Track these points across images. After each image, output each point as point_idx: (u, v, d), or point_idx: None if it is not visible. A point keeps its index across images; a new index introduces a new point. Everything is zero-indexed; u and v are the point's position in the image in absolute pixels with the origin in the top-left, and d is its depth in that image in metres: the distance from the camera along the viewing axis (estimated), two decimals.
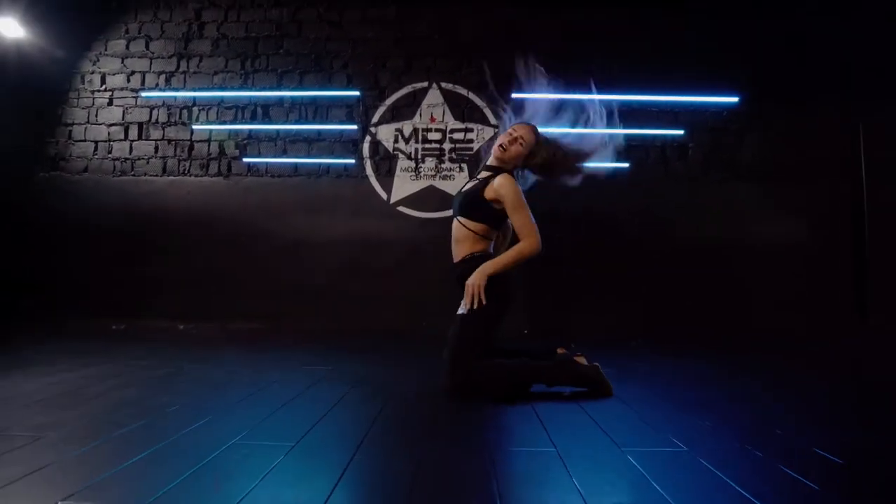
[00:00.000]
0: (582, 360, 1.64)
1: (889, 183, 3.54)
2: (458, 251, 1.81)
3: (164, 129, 3.61)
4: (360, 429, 1.21)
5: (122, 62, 3.66)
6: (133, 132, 3.61)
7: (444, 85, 3.60)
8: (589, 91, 3.57)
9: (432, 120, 3.59)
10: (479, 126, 3.57)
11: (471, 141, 3.57)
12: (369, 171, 3.57)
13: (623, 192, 3.52)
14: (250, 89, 3.61)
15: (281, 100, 3.61)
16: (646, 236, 3.51)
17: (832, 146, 3.59)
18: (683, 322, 3.39)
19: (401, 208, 3.53)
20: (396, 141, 3.58)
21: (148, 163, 3.58)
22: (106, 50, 3.67)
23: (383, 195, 3.54)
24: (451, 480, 0.92)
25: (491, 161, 1.87)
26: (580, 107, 2.12)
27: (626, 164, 3.55)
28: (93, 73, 3.66)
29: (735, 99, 3.58)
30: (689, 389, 1.69)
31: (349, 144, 3.58)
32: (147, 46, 3.66)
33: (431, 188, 3.54)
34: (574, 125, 2.27)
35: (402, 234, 3.47)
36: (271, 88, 3.61)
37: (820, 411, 1.47)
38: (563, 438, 1.13)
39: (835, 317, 3.45)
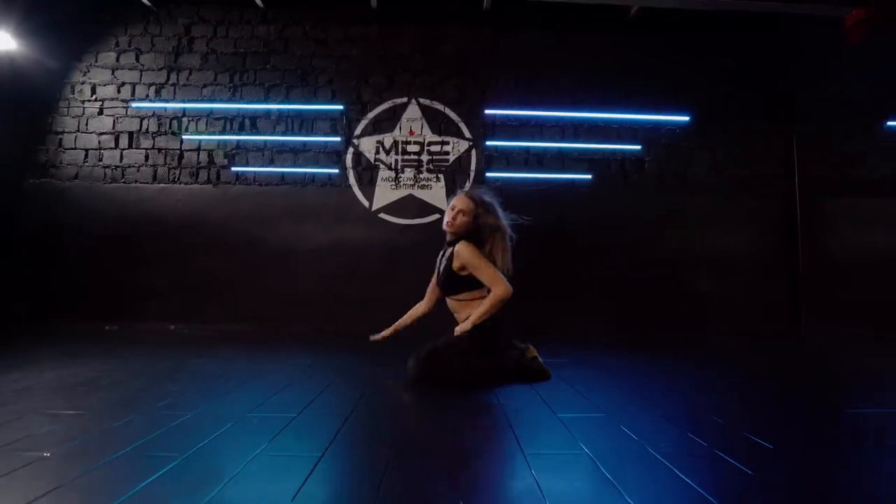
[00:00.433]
0: (530, 352, 1.93)
1: (820, 198, 3.96)
2: (458, 318, 2.06)
3: (154, 138, 3.78)
4: (348, 405, 1.46)
5: (113, 73, 3.81)
6: (123, 141, 3.76)
7: (422, 101, 3.87)
8: (556, 108, 3.91)
9: (411, 133, 3.85)
10: (455, 139, 3.85)
11: (447, 153, 3.84)
12: (352, 180, 3.80)
13: (586, 202, 3.84)
14: (238, 102, 3.81)
15: (268, 112, 3.81)
16: (607, 243, 3.83)
17: (771, 164, 3.99)
18: (641, 323, 3.73)
19: (382, 215, 3.77)
20: (378, 152, 3.83)
21: (138, 171, 3.74)
22: (96, 61, 3.82)
23: (365, 203, 3.78)
24: (429, 435, 1.18)
25: (448, 238, 2.13)
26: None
27: (589, 176, 3.88)
28: (83, 83, 3.80)
29: (686, 118, 3.95)
30: (634, 378, 1.98)
31: (333, 155, 3.81)
32: (137, 59, 3.82)
33: (410, 196, 3.80)
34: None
35: (383, 239, 3.71)
36: (259, 101, 3.81)
37: (754, 402, 1.70)
38: (512, 406, 1.40)
39: (772, 319, 3.84)
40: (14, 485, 0.86)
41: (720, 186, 3.95)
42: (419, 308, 2.27)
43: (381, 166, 3.82)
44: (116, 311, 3.56)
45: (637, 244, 3.85)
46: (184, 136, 3.77)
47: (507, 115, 3.91)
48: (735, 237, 3.91)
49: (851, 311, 3.83)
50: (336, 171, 3.79)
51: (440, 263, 2.13)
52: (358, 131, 3.83)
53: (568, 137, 3.92)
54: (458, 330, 1.90)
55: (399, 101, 3.87)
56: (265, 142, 3.80)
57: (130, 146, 3.76)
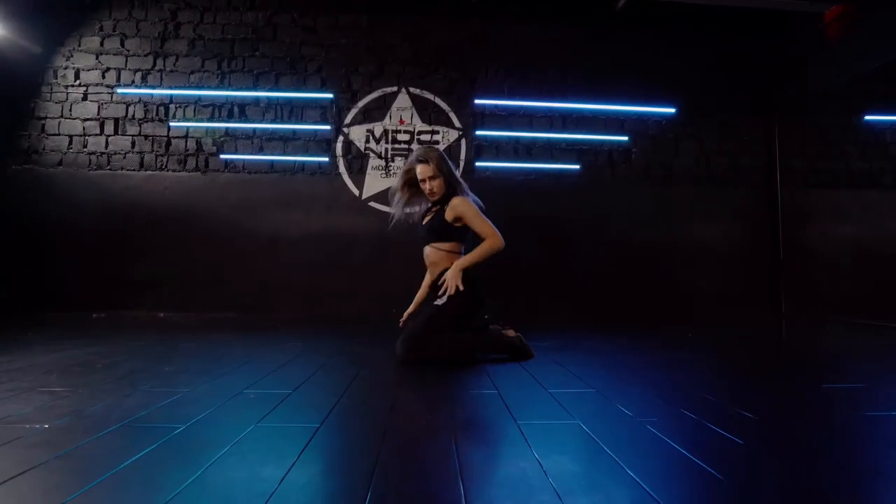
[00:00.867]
0: (510, 332, 1.98)
1: (800, 189, 4.08)
2: (436, 270, 2.10)
3: (140, 124, 3.73)
4: (343, 382, 1.49)
5: (97, 58, 3.75)
6: (109, 127, 3.71)
7: (412, 90, 3.88)
8: (545, 99, 3.96)
9: (401, 122, 3.86)
10: (445, 129, 3.87)
11: (437, 142, 3.86)
12: (342, 168, 3.80)
13: (574, 192, 3.90)
14: (227, 89, 3.78)
15: (257, 100, 3.79)
16: (594, 232, 3.90)
17: (754, 155, 4.09)
18: (626, 310, 3.82)
19: (372, 204, 3.79)
20: (368, 141, 3.83)
21: (125, 157, 3.69)
22: (80, 46, 3.75)
23: (355, 191, 3.79)
24: (420, 412, 1.22)
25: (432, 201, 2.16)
26: None
27: (577, 166, 3.94)
28: (66, 68, 3.73)
29: (673, 110, 4.03)
30: (614, 356, 2.05)
31: (323, 143, 3.81)
32: (122, 44, 3.76)
33: None
34: None
35: (372, 227, 3.73)
36: (248, 89, 3.79)
37: (737, 380, 1.80)
38: (504, 384, 1.45)
39: (754, 305, 3.96)
40: (11, 453, 0.88)
41: (705, 177, 4.04)
42: (428, 280, 2.27)
43: (371, 155, 3.83)
44: (103, 299, 3.53)
45: (623, 234, 3.92)
46: (171, 123, 3.73)
47: (496, 106, 3.94)
48: (718, 227, 4.01)
49: (829, 299, 3.96)
50: (326, 159, 3.79)
51: (423, 222, 2.15)
52: (348, 120, 3.83)
53: (556, 128, 3.97)
54: (448, 276, 1.92)
55: (389, 90, 3.87)
56: (254, 129, 3.78)
57: (116, 132, 3.71)
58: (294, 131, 3.80)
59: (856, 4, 3.51)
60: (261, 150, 3.78)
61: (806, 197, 4.10)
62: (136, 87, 3.75)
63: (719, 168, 4.08)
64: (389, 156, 3.84)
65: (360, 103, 3.85)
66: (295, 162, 3.79)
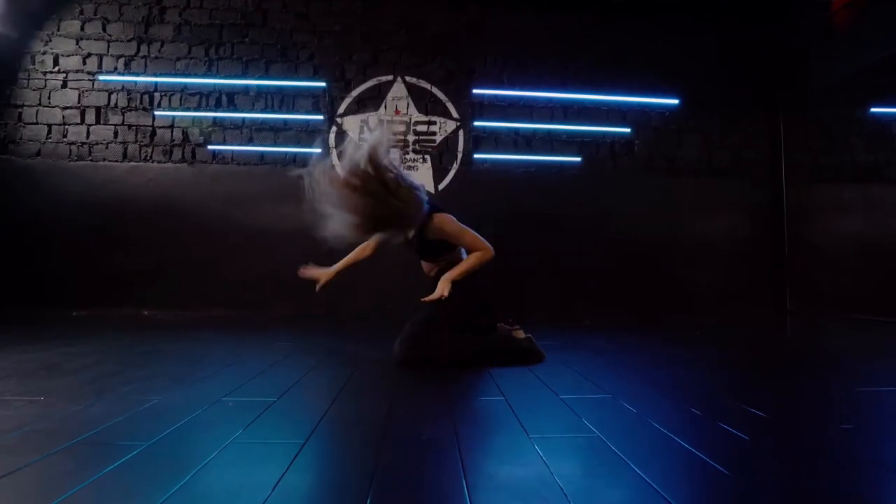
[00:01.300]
0: (519, 333, 1.85)
1: (805, 183, 3.98)
2: (429, 269, 1.99)
3: (123, 114, 3.56)
4: (334, 388, 1.36)
5: (77, 43, 3.57)
6: (90, 116, 3.54)
7: (408, 79, 3.73)
8: (545, 89, 3.83)
9: (397, 112, 3.72)
10: (442, 119, 3.73)
11: (433, 133, 3.72)
12: (335, 160, 3.65)
13: (575, 184, 3.79)
14: (215, 77, 3.61)
15: (246, 88, 3.63)
16: (595, 226, 3.79)
17: (758, 148, 3.99)
18: (627, 306, 3.71)
19: None
20: (362, 132, 3.69)
21: (107, 148, 3.53)
22: (59, 30, 3.57)
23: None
24: (418, 419, 1.09)
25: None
26: None
27: (578, 159, 3.82)
28: (44, 53, 3.55)
29: (676, 101, 3.91)
30: (623, 356, 1.93)
31: (315, 134, 3.66)
32: (104, 29, 3.59)
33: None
34: None
35: None
36: (237, 77, 3.63)
37: (743, 378, 1.71)
38: (511, 389, 1.33)
39: (758, 300, 3.87)
40: None
41: (708, 170, 3.93)
42: (365, 252, 2.11)
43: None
44: (84, 296, 3.37)
45: (625, 228, 3.81)
46: (156, 112, 3.57)
47: (495, 96, 3.81)
48: (721, 221, 3.91)
49: (835, 295, 3.88)
50: (318, 150, 3.64)
51: (410, 242, 1.98)
52: (341, 110, 3.68)
53: (557, 119, 3.84)
54: (438, 286, 1.78)
55: (384, 78, 3.72)
56: (244, 119, 3.62)
57: (98, 122, 3.54)
58: (285, 121, 3.65)
59: None
60: (250, 141, 3.62)
61: (810, 191, 4.00)
62: (119, 74, 3.58)
63: (722, 161, 3.97)
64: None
65: (354, 92, 3.70)
66: (286, 153, 3.64)
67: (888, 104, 4.12)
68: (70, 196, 3.45)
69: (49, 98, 3.52)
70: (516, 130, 3.80)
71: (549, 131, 3.82)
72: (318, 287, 2.08)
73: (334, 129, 3.67)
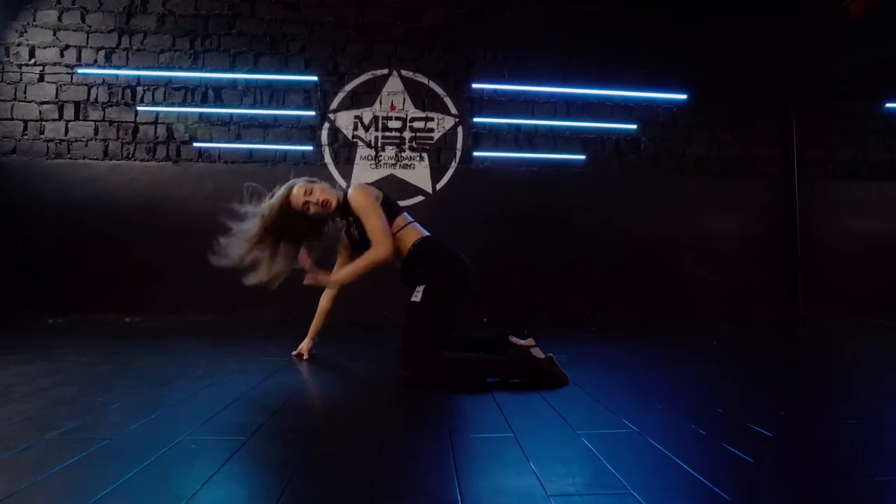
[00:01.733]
0: (537, 351, 1.66)
1: (818, 180, 3.82)
2: (398, 262, 1.81)
3: (104, 109, 3.38)
4: (320, 416, 1.20)
5: (55, 35, 3.38)
6: (69, 111, 3.35)
7: (404, 72, 3.55)
8: (547, 84, 3.66)
9: (392, 108, 3.54)
10: (440, 115, 3.56)
11: (431, 130, 3.55)
12: (328, 158, 3.48)
13: (579, 183, 3.62)
14: (201, 70, 3.43)
15: (234, 82, 3.45)
16: (600, 226, 3.62)
17: (769, 144, 3.83)
18: (635, 308, 3.54)
19: None
20: (356, 128, 3.51)
21: (87, 145, 3.34)
22: (35, 20, 3.38)
23: (343, 183, 3.47)
24: (411, 466, 0.93)
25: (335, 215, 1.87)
26: None
27: (582, 156, 3.65)
28: (20, 45, 3.36)
29: (684, 96, 3.74)
30: (640, 373, 1.77)
31: (307, 131, 3.48)
32: (83, 19, 3.40)
33: (392, 177, 3.50)
34: None
35: None
36: (224, 70, 3.44)
37: (754, 390, 1.59)
38: (520, 422, 1.16)
39: (769, 303, 3.71)
40: None
41: (718, 167, 3.77)
42: (326, 302, 1.99)
43: (360, 144, 3.51)
44: (62, 302, 3.19)
45: (631, 228, 3.65)
46: (138, 108, 3.38)
47: (495, 91, 3.63)
48: (732, 220, 3.75)
49: (849, 296, 3.72)
50: (310, 148, 3.46)
51: (351, 238, 1.86)
52: (334, 105, 3.50)
53: (560, 115, 3.67)
54: (322, 277, 1.68)
55: (379, 72, 3.54)
56: (231, 115, 3.44)
57: (77, 118, 3.35)
58: (275, 117, 3.47)
59: None
60: (238, 138, 3.44)
61: (824, 189, 3.84)
62: (99, 67, 3.39)
63: (732, 158, 3.80)
64: (380, 145, 3.52)
65: (348, 87, 3.52)
66: (276, 151, 3.46)
67: None
68: (47, 196, 3.27)
69: (25, 92, 3.34)
70: (518, 127, 3.63)
71: (551, 128, 3.65)
72: (305, 355, 1.95)
73: (327, 125, 3.49)
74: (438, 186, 3.51)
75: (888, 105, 3.94)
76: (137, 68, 3.40)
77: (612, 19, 3.72)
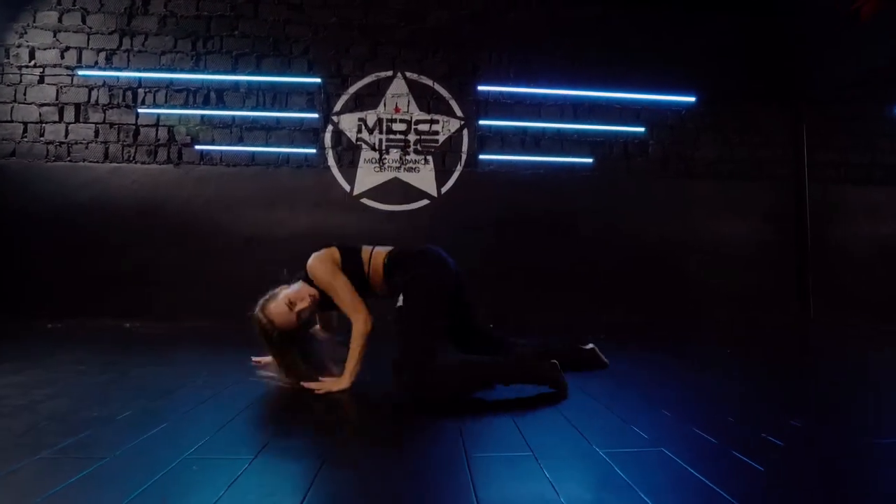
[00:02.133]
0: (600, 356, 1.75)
1: (829, 182, 3.77)
2: (379, 288, 1.72)
3: (105, 111, 3.33)
4: (327, 430, 1.15)
5: (55, 36, 3.34)
6: (69, 114, 3.31)
7: (409, 75, 3.51)
8: (554, 86, 3.61)
9: (397, 110, 3.50)
10: (445, 118, 3.51)
11: (436, 133, 3.50)
12: (331, 161, 3.43)
13: (586, 187, 3.57)
14: (202, 72, 3.39)
15: (236, 84, 3.41)
16: (608, 230, 3.57)
17: (779, 147, 3.77)
18: (644, 314, 3.48)
19: (364, 200, 3.43)
20: (360, 131, 3.46)
21: (87, 148, 3.30)
22: (35, 22, 3.34)
23: (346, 187, 3.42)
24: (427, 491, 0.87)
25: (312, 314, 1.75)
26: None
27: (590, 160, 3.60)
28: (20, 46, 3.32)
29: (692, 98, 3.69)
30: (652, 383, 1.71)
31: (310, 133, 3.44)
32: (84, 20, 3.36)
33: (396, 180, 3.46)
34: None
35: (365, 227, 3.37)
36: (225, 72, 3.40)
37: (765, 398, 1.55)
38: (538, 439, 1.10)
39: (780, 308, 3.65)
40: None
41: (727, 171, 3.71)
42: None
43: (364, 146, 3.46)
44: (62, 307, 3.14)
45: (640, 232, 3.59)
46: (140, 110, 3.34)
47: (501, 93, 3.59)
48: (742, 224, 3.70)
49: (863, 300, 3.66)
50: (313, 151, 3.42)
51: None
52: (338, 107, 3.46)
53: (567, 118, 3.62)
54: (335, 386, 1.55)
55: (383, 74, 3.50)
56: (233, 117, 3.40)
57: (77, 120, 3.31)
58: (278, 120, 3.42)
59: None
60: (240, 141, 3.39)
61: (834, 193, 3.78)
62: (100, 68, 3.34)
63: (742, 161, 3.75)
64: (384, 147, 3.47)
65: (352, 89, 3.47)
66: (279, 154, 3.41)
67: None
68: (47, 199, 3.22)
69: (25, 94, 3.30)
70: (524, 129, 3.58)
71: (558, 130, 3.60)
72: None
73: (330, 127, 3.44)
74: (443, 190, 3.46)
75: None
76: (138, 70, 3.36)
77: (614, 22, 3.68)
